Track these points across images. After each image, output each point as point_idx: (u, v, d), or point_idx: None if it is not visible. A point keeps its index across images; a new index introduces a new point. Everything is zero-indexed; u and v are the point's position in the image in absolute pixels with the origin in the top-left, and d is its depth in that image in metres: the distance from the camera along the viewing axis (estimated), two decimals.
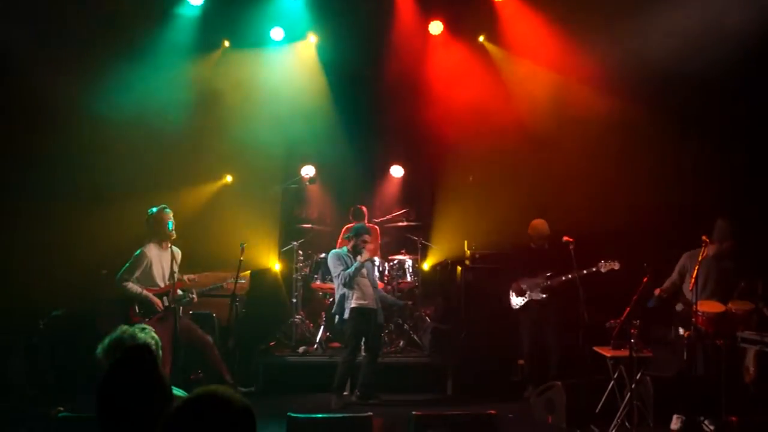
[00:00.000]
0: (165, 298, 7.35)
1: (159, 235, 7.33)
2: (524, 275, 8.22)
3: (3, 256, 8.46)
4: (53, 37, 8.44)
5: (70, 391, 7.34)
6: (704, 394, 6.61)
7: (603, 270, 7.54)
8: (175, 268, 7.32)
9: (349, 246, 7.91)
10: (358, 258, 7.78)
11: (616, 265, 7.47)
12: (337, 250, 8.05)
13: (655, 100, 8.61)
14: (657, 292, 7.16)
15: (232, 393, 2.07)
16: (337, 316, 7.90)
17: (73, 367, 7.67)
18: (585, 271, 7.60)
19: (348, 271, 7.71)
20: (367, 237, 7.91)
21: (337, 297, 7.88)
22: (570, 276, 7.66)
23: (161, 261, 7.38)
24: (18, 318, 8.16)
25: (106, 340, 3.80)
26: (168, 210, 7.36)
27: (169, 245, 7.39)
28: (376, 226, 9.54)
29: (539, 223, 8.25)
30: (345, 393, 7.96)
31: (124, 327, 3.85)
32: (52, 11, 8.41)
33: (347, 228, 9.41)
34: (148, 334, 3.87)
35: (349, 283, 7.72)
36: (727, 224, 6.93)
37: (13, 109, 8.62)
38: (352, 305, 7.74)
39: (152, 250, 7.35)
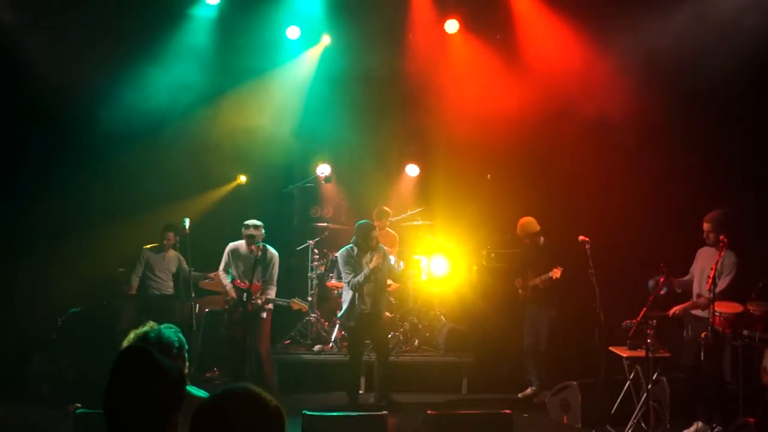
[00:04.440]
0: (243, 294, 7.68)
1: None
2: (521, 272, 8.40)
3: (23, 255, 8.57)
4: (66, 40, 8.52)
5: (88, 388, 7.39)
6: (721, 396, 6.56)
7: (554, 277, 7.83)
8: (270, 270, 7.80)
9: (361, 246, 7.69)
10: (366, 264, 7.61)
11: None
12: (345, 248, 7.88)
13: (675, 98, 8.54)
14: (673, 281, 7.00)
15: (262, 391, 2.08)
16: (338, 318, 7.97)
17: (90, 364, 7.74)
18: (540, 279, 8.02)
19: (357, 279, 7.61)
20: (375, 233, 7.76)
21: (345, 302, 7.79)
22: (549, 276, 7.85)
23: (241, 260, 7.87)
24: (37, 315, 8.24)
25: (132, 335, 3.82)
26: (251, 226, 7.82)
27: (260, 247, 7.74)
28: (395, 234, 9.46)
29: (525, 222, 8.31)
30: (360, 392, 7.98)
31: (152, 323, 3.86)
32: (64, 13, 8.49)
33: None
34: (173, 332, 3.87)
35: (359, 289, 7.64)
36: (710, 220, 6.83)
37: (33, 111, 8.73)
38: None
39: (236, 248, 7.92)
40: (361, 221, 7.90)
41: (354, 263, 7.68)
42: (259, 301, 7.59)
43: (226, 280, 7.85)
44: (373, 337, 7.87)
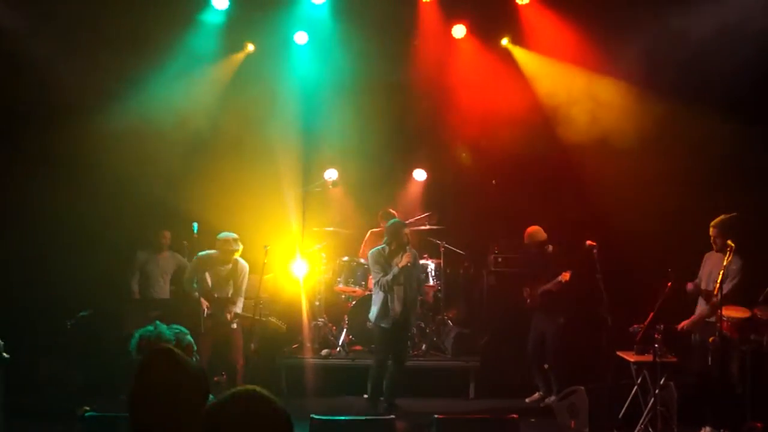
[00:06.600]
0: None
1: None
2: (529, 280, 8.38)
3: (31, 258, 8.62)
4: (76, 45, 8.57)
5: (97, 391, 7.44)
6: (729, 401, 6.54)
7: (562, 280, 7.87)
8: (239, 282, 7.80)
9: (392, 246, 7.61)
10: (396, 264, 7.55)
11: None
12: (377, 248, 7.79)
13: (680, 101, 8.52)
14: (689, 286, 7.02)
15: (270, 394, 2.11)
16: (371, 319, 7.80)
17: (99, 367, 7.78)
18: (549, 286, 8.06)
19: (386, 278, 7.55)
20: (405, 230, 7.72)
21: (376, 302, 7.67)
22: (559, 279, 7.91)
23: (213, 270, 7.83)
24: (46, 318, 8.29)
25: (136, 334, 3.95)
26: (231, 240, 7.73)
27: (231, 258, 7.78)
28: None
29: (532, 230, 8.31)
30: (365, 396, 7.96)
31: (157, 323, 3.97)
32: (74, 18, 8.55)
33: (373, 232, 9.41)
34: (174, 331, 3.95)
35: (389, 289, 7.55)
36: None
37: (42, 113, 8.79)
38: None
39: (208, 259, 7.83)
40: (393, 220, 8.02)
41: (384, 263, 7.62)
42: (229, 316, 7.63)
43: (195, 292, 7.78)
44: (398, 342, 7.78)
